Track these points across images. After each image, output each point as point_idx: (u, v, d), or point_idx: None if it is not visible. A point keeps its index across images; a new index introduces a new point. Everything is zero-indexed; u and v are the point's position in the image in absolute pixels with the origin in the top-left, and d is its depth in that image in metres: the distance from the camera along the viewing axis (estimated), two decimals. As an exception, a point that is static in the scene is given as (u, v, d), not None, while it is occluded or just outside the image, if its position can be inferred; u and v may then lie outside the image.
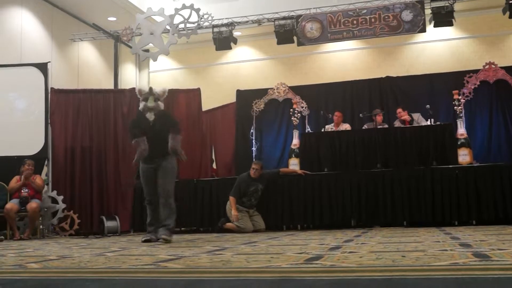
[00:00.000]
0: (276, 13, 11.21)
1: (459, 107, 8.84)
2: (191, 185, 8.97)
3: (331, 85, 11.59)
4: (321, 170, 8.72)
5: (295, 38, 11.04)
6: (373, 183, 8.20)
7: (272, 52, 14.00)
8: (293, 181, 8.54)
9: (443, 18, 10.39)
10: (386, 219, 8.05)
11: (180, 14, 10.97)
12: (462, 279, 2.18)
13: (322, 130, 10.03)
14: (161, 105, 6.32)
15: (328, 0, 11.51)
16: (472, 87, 10.06)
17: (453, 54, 13.17)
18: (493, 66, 10.24)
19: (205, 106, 10.91)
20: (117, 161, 9.64)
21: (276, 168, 9.46)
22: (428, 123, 8.99)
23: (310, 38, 10.94)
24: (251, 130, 11.34)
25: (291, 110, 10.00)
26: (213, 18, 11.08)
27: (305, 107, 10.95)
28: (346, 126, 10.10)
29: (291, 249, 4.02)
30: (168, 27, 10.99)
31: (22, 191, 8.47)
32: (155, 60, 11.44)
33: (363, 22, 10.62)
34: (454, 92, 8.95)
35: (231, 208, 8.20)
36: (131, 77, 15.08)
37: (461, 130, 8.55)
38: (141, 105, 6.29)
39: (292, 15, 11.05)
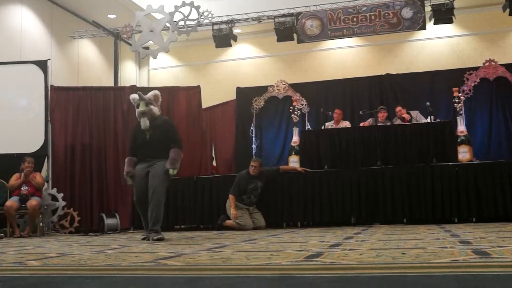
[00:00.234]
0: (276, 10, 11.20)
1: (459, 105, 8.84)
2: (191, 183, 8.97)
3: (331, 82, 11.59)
4: (321, 167, 8.72)
5: (295, 36, 11.03)
6: (373, 181, 8.19)
7: (272, 50, 13.99)
8: (293, 178, 8.54)
9: (443, 15, 10.38)
10: (386, 217, 8.05)
11: (180, 12, 10.96)
12: (462, 276, 2.19)
13: (322, 128, 10.03)
14: (155, 109, 6.16)
15: (328, -3, 11.51)
16: (472, 84, 10.05)
17: (453, 51, 13.17)
18: (493, 63, 10.24)
19: (205, 104, 10.91)
20: (117, 159, 9.64)
21: (276, 166, 9.47)
22: (428, 120, 8.99)
23: (310, 35, 10.93)
24: (251, 128, 11.33)
25: (291, 107, 10.00)
26: (213, 16, 11.07)
27: (305, 105, 10.95)
28: (346, 124, 10.09)
29: (291, 247, 4.02)
30: (168, 24, 10.98)
31: (22, 188, 8.46)
32: (155, 57, 11.43)
33: (363, 20, 10.61)
34: (454, 89, 8.96)
35: (231, 206, 8.20)
36: (131, 74, 15.08)
37: (461, 128, 8.56)
38: (136, 112, 6.20)
39: (292, 13, 11.04)
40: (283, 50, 13.46)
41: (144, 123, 6.09)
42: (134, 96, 6.27)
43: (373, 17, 10.56)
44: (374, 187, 8.17)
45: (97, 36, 12.79)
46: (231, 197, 8.26)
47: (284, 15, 11.05)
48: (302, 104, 10.81)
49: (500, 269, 2.37)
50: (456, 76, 10.34)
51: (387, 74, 11.28)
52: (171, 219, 8.83)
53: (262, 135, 11.45)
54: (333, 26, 10.76)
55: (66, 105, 9.74)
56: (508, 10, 10.00)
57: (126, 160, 6.25)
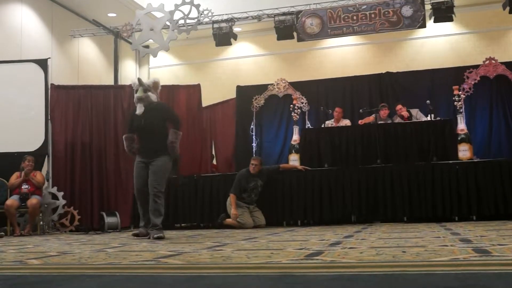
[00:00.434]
0: (276, 8, 11.20)
1: (459, 103, 8.83)
2: (191, 181, 8.97)
3: (331, 80, 11.58)
4: (321, 165, 8.72)
5: (295, 34, 11.03)
6: (373, 179, 8.19)
7: (272, 48, 13.98)
8: (293, 177, 8.54)
9: (443, 13, 10.38)
10: (386, 215, 8.05)
11: (180, 10, 10.95)
12: (463, 274, 2.19)
13: (322, 126, 10.03)
14: (153, 96, 6.17)
15: (328, -5, 11.51)
16: (472, 82, 10.05)
17: (453, 49, 13.16)
18: (493, 61, 10.23)
19: (205, 102, 10.91)
20: (117, 157, 9.64)
21: (276, 164, 9.47)
22: (428, 118, 8.98)
23: (310, 33, 10.93)
24: (251, 126, 11.33)
25: (291, 106, 10.00)
26: (213, 14, 11.08)
27: (305, 103, 10.94)
28: (346, 122, 10.09)
29: (292, 245, 4.02)
30: (168, 23, 10.97)
31: (22, 187, 8.47)
32: (155, 56, 11.43)
33: (363, 18, 10.61)
34: (454, 87, 8.95)
35: (231, 205, 8.19)
36: (131, 73, 15.08)
37: (461, 126, 8.55)
38: (134, 98, 6.25)
39: (292, 11, 11.03)
40: (283, 49, 13.45)
41: (140, 109, 6.11)
42: (133, 82, 6.32)
43: (373, 16, 10.55)
44: (375, 185, 8.17)
45: (97, 35, 12.79)
46: (232, 196, 8.25)
47: (284, 14, 11.04)
48: (302, 103, 10.81)
49: (501, 267, 2.37)
50: (456, 74, 10.34)
51: (387, 72, 11.27)
52: (171, 218, 8.82)
53: (262, 133, 11.45)
54: (333, 24, 10.75)
55: (66, 104, 9.74)
56: (508, 8, 10.00)
57: (124, 137, 6.27)
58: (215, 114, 11.73)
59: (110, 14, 13.04)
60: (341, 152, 8.83)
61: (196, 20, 10.94)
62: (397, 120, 9.66)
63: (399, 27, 10.60)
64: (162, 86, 9.50)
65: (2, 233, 7.85)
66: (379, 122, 9.27)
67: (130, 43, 11.77)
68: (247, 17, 11.57)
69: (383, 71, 11.38)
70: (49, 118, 9.48)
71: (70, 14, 12.76)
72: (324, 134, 9.15)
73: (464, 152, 8.25)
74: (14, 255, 3.98)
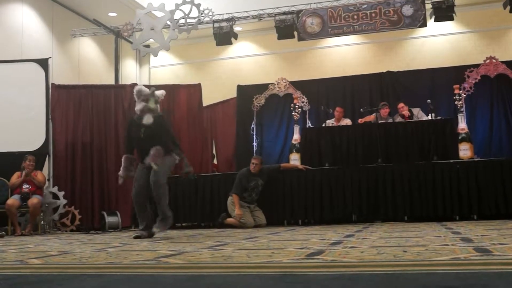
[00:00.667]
0: (277, 8, 11.20)
1: (460, 102, 8.83)
2: (191, 181, 8.96)
3: (331, 80, 11.59)
4: (322, 165, 8.71)
5: (295, 33, 11.03)
6: (374, 178, 8.19)
7: (272, 47, 13.98)
8: (294, 176, 8.54)
9: (444, 12, 10.37)
10: (387, 214, 8.05)
11: (180, 10, 10.96)
12: (463, 274, 2.19)
13: (323, 125, 10.03)
14: (159, 108, 6.22)
15: (328, -5, 11.51)
16: (473, 81, 10.05)
17: (453, 48, 13.16)
18: (493, 60, 10.23)
19: (206, 102, 10.91)
20: (118, 157, 9.61)
21: (277, 164, 9.47)
22: (429, 117, 8.98)
23: (311, 33, 10.93)
24: (252, 125, 11.33)
25: (292, 105, 9.99)
26: (214, 13, 11.08)
27: (306, 102, 10.94)
28: (347, 121, 10.09)
29: (292, 244, 4.02)
30: (168, 22, 10.98)
31: (23, 187, 8.48)
32: (155, 55, 11.44)
33: (364, 17, 10.61)
34: (455, 86, 8.94)
35: (235, 206, 8.17)
36: (131, 72, 15.08)
37: (462, 125, 8.54)
38: (140, 105, 6.15)
39: (293, 10, 11.03)
40: (284, 48, 13.45)
41: (148, 119, 6.06)
42: (143, 90, 6.19)
43: (373, 15, 10.55)
44: (375, 184, 8.17)
45: (98, 34, 12.79)
46: (234, 196, 8.23)
47: (284, 13, 11.04)
48: (303, 102, 10.81)
49: (502, 266, 2.37)
50: (456, 73, 10.34)
51: (388, 72, 11.28)
52: (172, 217, 8.82)
53: (263, 133, 11.45)
54: (334, 23, 10.75)
55: (67, 103, 9.75)
56: (508, 7, 10.00)
57: (123, 158, 6.27)
58: (216, 113, 11.73)
59: (110, 14, 13.04)
60: (341, 151, 8.82)
61: (196, 19, 10.95)
62: (398, 119, 9.66)
63: (400, 26, 10.60)
64: (163, 85, 9.57)
65: (3, 232, 7.85)
66: (380, 122, 9.26)
67: (131, 42, 11.77)
68: (248, 16, 11.57)
69: (384, 71, 11.38)
70: (49, 117, 9.48)
71: (71, 13, 12.76)
72: (325, 133, 9.15)
73: (465, 151, 8.24)
74: (15, 255, 3.99)
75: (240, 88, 11.69)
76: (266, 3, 11.54)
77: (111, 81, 12.53)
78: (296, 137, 9.39)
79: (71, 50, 12.89)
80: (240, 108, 11.48)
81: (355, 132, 8.97)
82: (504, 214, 7.50)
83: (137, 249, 4.21)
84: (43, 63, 9.61)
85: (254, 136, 11.26)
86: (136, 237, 5.89)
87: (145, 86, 6.47)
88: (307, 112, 10.94)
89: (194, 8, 10.96)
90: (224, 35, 11.32)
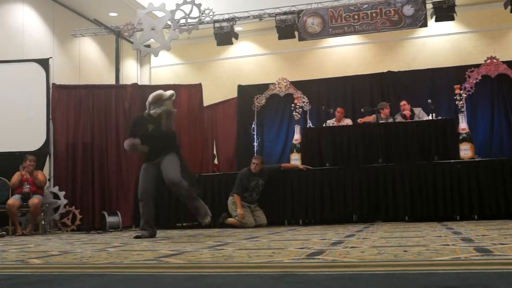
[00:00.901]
0: (277, 8, 11.20)
1: (461, 102, 8.82)
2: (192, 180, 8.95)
3: (332, 80, 11.58)
4: (322, 165, 8.71)
5: (296, 33, 11.03)
6: (374, 178, 8.19)
7: (273, 47, 13.98)
8: (294, 176, 8.54)
9: (445, 12, 10.37)
10: (387, 214, 8.05)
11: (181, 9, 10.97)
12: (464, 273, 2.18)
13: (324, 125, 10.02)
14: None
15: (329, -5, 11.51)
16: (474, 81, 10.04)
17: (454, 48, 13.16)
18: (494, 60, 10.23)
19: (207, 101, 10.91)
20: (118, 157, 9.66)
21: (278, 164, 9.47)
22: (430, 117, 8.98)
23: (311, 33, 10.93)
24: (253, 125, 11.33)
25: (293, 105, 9.99)
26: (214, 13, 11.08)
27: (307, 102, 10.94)
28: (347, 121, 10.09)
29: (293, 244, 4.02)
30: (169, 22, 10.99)
31: (24, 186, 8.48)
32: (156, 55, 11.45)
33: (365, 17, 10.61)
34: (455, 86, 8.93)
35: (237, 206, 8.16)
36: (132, 72, 15.08)
37: (463, 125, 8.54)
38: (159, 110, 6.04)
39: (293, 10, 11.03)
40: (285, 48, 13.45)
41: (156, 110, 6.02)
42: (163, 93, 6.18)
43: (374, 15, 10.55)
44: (376, 184, 8.17)
45: (99, 34, 12.80)
46: (236, 196, 8.23)
47: (285, 13, 11.04)
48: (303, 102, 10.80)
49: (502, 266, 2.37)
50: (457, 73, 10.34)
51: (389, 72, 11.27)
52: (173, 217, 8.84)
53: (263, 133, 11.44)
54: (334, 23, 10.75)
55: (68, 103, 9.75)
56: (509, 7, 10.00)
57: (126, 140, 6.18)
58: (217, 113, 11.73)
59: (111, 14, 13.05)
60: (342, 151, 8.82)
61: (197, 19, 10.96)
62: (399, 119, 9.66)
63: (401, 26, 10.60)
64: (163, 85, 9.56)
65: (4, 232, 7.86)
66: (380, 122, 9.26)
67: (132, 42, 11.78)
68: (248, 16, 11.57)
69: (385, 70, 11.37)
70: (50, 117, 9.49)
71: (72, 13, 12.77)
72: (326, 133, 9.15)
73: (466, 151, 8.24)
74: (15, 255, 3.99)
75: (240, 88, 11.68)
76: (266, 3, 11.54)
77: (112, 81, 12.54)
78: (297, 137, 9.39)
79: (71, 50, 12.89)
80: (240, 108, 11.47)
81: (356, 132, 8.97)
82: (505, 214, 7.50)
83: (137, 249, 4.21)
84: (44, 63, 9.61)
85: (255, 136, 11.26)
86: (137, 237, 5.88)
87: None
88: (308, 112, 10.93)
89: (194, 8, 10.97)
90: (225, 35, 11.32)
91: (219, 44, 11.55)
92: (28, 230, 8.15)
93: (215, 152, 11.51)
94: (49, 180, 9.32)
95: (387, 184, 8.12)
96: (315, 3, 11.24)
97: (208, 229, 7.88)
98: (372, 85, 11.22)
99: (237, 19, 11.44)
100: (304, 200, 8.37)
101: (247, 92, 11.57)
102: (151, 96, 6.14)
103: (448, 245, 3.49)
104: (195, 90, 10.51)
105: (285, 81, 11.37)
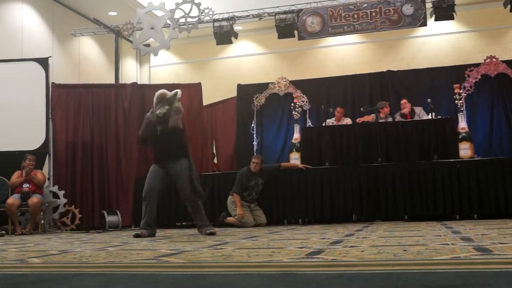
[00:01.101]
0: (277, 7, 11.19)
1: (460, 101, 8.82)
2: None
3: (332, 79, 11.58)
4: (322, 164, 8.71)
5: (296, 32, 11.03)
6: (374, 178, 8.19)
7: (273, 47, 13.98)
8: (294, 175, 8.54)
9: (444, 11, 10.37)
10: (387, 213, 8.05)
11: (180, 9, 10.96)
12: (464, 273, 2.18)
13: (323, 125, 10.02)
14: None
15: (328, -6, 11.51)
16: (473, 81, 10.04)
17: (454, 48, 13.15)
18: (494, 60, 10.22)
19: (206, 101, 10.90)
20: (118, 156, 9.65)
21: (277, 163, 9.46)
22: (429, 117, 8.98)
23: (311, 32, 10.93)
24: (252, 125, 11.33)
25: (292, 104, 9.98)
26: (214, 13, 11.08)
27: (306, 102, 10.94)
28: (347, 121, 10.09)
29: (292, 244, 4.02)
30: (168, 21, 10.98)
31: (23, 186, 8.48)
32: (155, 54, 11.44)
33: (364, 16, 10.61)
34: (455, 86, 8.93)
35: (236, 205, 8.16)
36: (132, 71, 15.08)
37: (462, 124, 8.54)
38: (164, 109, 6.11)
39: (293, 9, 11.03)
40: (284, 47, 13.45)
41: (162, 109, 6.06)
42: (167, 93, 6.19)
43: (373, 14, 10.55)
44: (375, 184, 8.17)
45: (98, 34, 12.79)
46: (236, 196, 8.22)
47: (285, 12, 11.04)
48: (303, 101, 10.80)
49: (502, 266, 2.37)
50: (457, 72, 10.33)
51: (388, 71, 11.27)
52: (172, 216, 8.85)
53: (263, 132, 11.44)
54: (334, 23, 10.75)
55: (67, 103, 9.74)
56: (509, 7, 10.00)
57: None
58: (216, 113, 11.73)
59: (111, 13, 13.04)
60: (342, 150, 8.82)
61: (197, 18, 10.95)
62: (398, 118, 9.66)
63: (400, 26, 10.60)
64: (163, 85, 9.55)
65: (3, 232, 7.85)
66: (380, 121, 9.26)
67: (131, 41, 11.78)
68: (248, 15, 11.57)
69: (384, 70, 11.37)
70: (50, 117, 9.48)
71: (71, 13, 12.76)
72: (325, 132, 9.14)
73: (465, 150, 8.24)
74: (15, 254, 3.99)
75: (240, 87, 11.68)
76: (266, 2, 11.53)
77: (111, 80, 12.54)
78: (296, 136, 9.39)
79: (71, 50, 12.89)
80: (240, 108, 11.47)
81: (356, 131, 8.96)
82: (504, 213, 7.51)
83: (137, 248, 4.21)
84: (43, 62, 9.60)
85: (255, 135, 11.26)
86: (136, 236, 5.89)
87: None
88: (307, 111, 10.94)
89: (194, 7, 10.96)
90: (224, 34, 11.32)
91: (218, 43, 11.55)
92: (27, 230, 8.14)
93: (214, 152, 11.51)
94: (49, 179, 9.32)
95: (387, 183, 8.12)
96: (314, 2, 11.24)
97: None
98: (372, 84, 11.21)
99: (236, 18, 11.44)
100: (304, 199, 8.37)
101: (246, 91, 11.57)
102: (155, 96, 6.18)
103: (447, 244, 3.49)
104: (195, 89, 10.50)
105: (284, 80, 11.36)
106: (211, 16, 11.07)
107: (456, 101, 8.78)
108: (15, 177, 8.58)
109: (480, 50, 12.55)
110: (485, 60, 10.29)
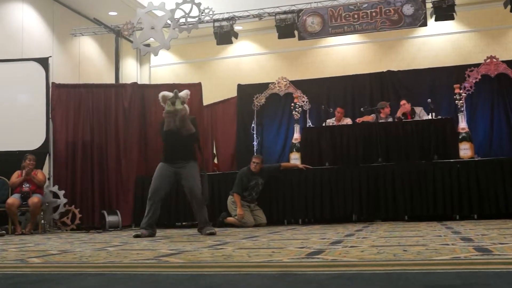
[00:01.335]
0: (277, 7, 11.19)
1: (461, 101, 8.82)
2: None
3: (332, 79, 11.58)
4: (322, 164, 8.71)
5: (296, 32, 11.03)
6: (374, 178, 8.19)
7: (273, 47, 13.98)
8: (294, 175, 8.54)
9: (444, 12, 10.37)
10: (387, 214, 8.05)
11: (181, 9, 10.96)
12: (464, 273, 2.18)
13: (323, 125, 10.02)
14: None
15: (329, -6, 11.51)
16: (474, 81, 10.04)
17: (454, 48, 13.15)
18: (494, 60, 10.22)
19: (206, 101, 10.90)
20: (118, 156, 9.65)
21: (277, 163, 9.46)
22: (430, 117, 8.98)
23: (311, 32, 10.93)
24: (252, 125, 11.33)
25: (292, 104, 9.98)
26: (214, 13, 11.08)
27: (306, 102, 10.94)
28: (347, 121, 10.09)
29: (292, 244, 4.02)
30: (169, 21, 10.98)
31: (23, 186, 8.48)
32: (156, 54, 11.44)
33: (364, 16, 10.61)
34: (455, 86, 8.93)
35: (236, 205, 8.16)
36: (132, 71, 15.08)
37: (463, 124, 8.54)
38: (169, 107, 6.09)
39: (293, 9, 11.03)
40: (284, 47, 13.45)
41: (169, 107, 6.02)
42: (166, 94, 6.11)
43: (374, 14, 10.55)
44: (375, 184, 8.17)
45: (98, 34, 12.79)
46: (236, 196, 8.22)
47: (285, 12, 11.04)
48: (303, 101, 10.80)
49: (502, 266, 2.37)
50: (457, 72, 10.33)
51: (388, 71, 11.27)
52: (172, 216, 8.85)
53: (263, 132, 11.44)
54: (334, 23, 10.76)
55: (67, 103, 9.74)
56: (509, 7, 9.99)
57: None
58: (216, 113, 11.73)
59: (111, 13, 13.04)
60: (342, 150, 8.82)
61: (197, 18, 10.95)
62: (398, 115, 9.65)
63: (400, 26, 10.60)
64: (163, 84, 9.57)
65: (4, 231, 7.85)
66: (380, 121, 9.26)
67: (131, 41, 11.78)
68: (248, 15, 11.57)
69: (384, 70, 11.37)
70: (50, 116, 9.48)
71: (71, 12, 12.76)
72: (325, 132, 9.14)
73: (465, 150, 8.24)
74: (15, 254, 3.99)
75: (240, 87, 11.68)
76: (266, 2, 11.53)
77: (112, 80, 12.54)
78: (297, 136, 9.39)
79: (71, 49, 12.89)
80: (240, 108, 11.47)
81: (356, 131, 8.96)
82: (505, 213, 7.51)
83: (137, 248, 4.21)
84: (44, 62, 9.60)
85: (255, 135, 11.26)
86: (136, 236, 5.89)
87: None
88: (308, 111, 10.93)
89: (194, 7, 10.96)
90: (225, 34, 11.32)
91: (218, 43, 11.55)
92: (27, 229, 8.14)
93: (214, 152, 11.51)
94: (49, 179, 9.32)
95: (387, 183, 8.12)
96: (315, 2, 11.24)
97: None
98: (372, 84, 11.21)
99: (236, 18, 11.44)
100: (304, 199, 8.37)
101: (246, 91, 11.57)
102: (159, 97, 6.21)
103: (447, 244, 3.49)
104: (195, 89, 10.47)
105: (284, 80, 11.36)
106: (211, 16, 11.08)
107: (456, 101, 8.78)
108: (15, 176, 8.58)
109: (480, 50, 12.55)
110: (485, 60, 10.28)
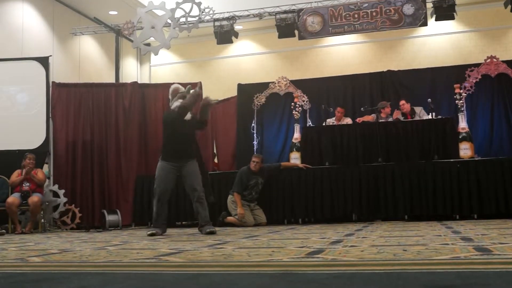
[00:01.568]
0: (278, 6, 11.19)
1: (461, 101, 8.81)
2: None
3: (332, 79, 11.57)
4: (322, 164, 8.70)
5: (296, 32, 11.03)
6: (374, 177, 8.19)
7: (273, 46, 13.99)
8: (294, 175, 8.53)
9: (445, 11, 10.37)
10: (387, 213, 8.04)
11: (181, 8, 10.96)
12: (464, 273, 2.19)
13: (324, 124, 10.02)
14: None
15: (329, -7, 11.52)
16: (474, 81, 10.03)
17: (454, 48, 13.16)
18: (494, 60, 10.21)
19: (206, 100, 10.88)
20: (118, 155, 9.65)
21: (277, 162, 9.46)
22: (430, 117, 8.98)
23: (311, 31, 10.93)
24: (252, 124, 11.32)
25: (292, 104, 9.98)
26: (214, 12, 11.08)
27: (306, 101, 10.93)
28: (347, 120, 10.08)
29: (292, 243, 4.02)
30: (169, 21, 10.98)
31: (23, 185, 8.48)
32: (156, 54, 11.44)
33: (364, 16, 10.61)
34: (455, 86, 8.92)
35: (236, 205, 8.15)
36: (132, 71, 15.09)
37: (463, 124, 8.53)
38: (178, 103, 6.22)
39: (294, 9, 11.03)
40: (285, 47, 13.45)
41: (187, 116, 6.19)
42: (180, 88, 6.41)
43: (374, 14, 10.55)
44: (376, 183, 8.16)
45: (99, 33, 12.80)
46: (236, 195, 8.21)
47: (285, 12, 11.04)
48: (303, 101, 10.79)
49: (502, 266, 2.37)
50: (457, 72, 10.32)
51: (389, 71, 11.26)
52: (173, 216, 8.83)
53: (263, 131, 11.43)
54: (334, 22, 10.76)
55: (68, 102, 9.74)
56: (510, 7, 10.00)
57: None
58: (216, 112, 11.71)
59: (111, 12, 13.05)
60: (342, 150, 8.81)
61: (197, 18, 10.95)
62: (399, 115, 9.65)
63: (401, 25, 10.60)
64: (163, 84, 9.57)
65: (4, 230, 7.86)
66: (380, 121, 9.26)
67: (131, 41, 11.78)
68: (249, 15, 11.57)
69: (385, 69, 11.36)
70: (50, 116, 9.48)
71: (72, 12, 12.77)
72: (325, 132, 9.13)
73: (465, 150, 8.23)
74: (15, 253, 3.99)
75: (240, 87, 11.67)
76: (266, 1, 11.53)
77: (112, 80, 12.55)
78: (297, 136, 9.38)
79: (71, 49, 12.89)
80: (240, 107, 11.46)
81: (356, 131, 8.95)
82: (505, 213, 7.50)
83: (137, 247, 4.21)
84: (44, 61, 9.60)
85: (255, 135, 11.25)
86: (151, 235, 5.93)
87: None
88: (308, 111, 10.92)
89: (195, 6, 10.96)
90: (225, 34, 11.32)
91: (219, 42, 11.55)
92: (27, 229, 8.15)
93: (215, 151, 11.50)
94: (49, 178, 9.32)
95: (387, 183, 8.12)
96: (315, 2, 11.24)
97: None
98: (372, 84, 11.20)
99: (237, 18, 11.44)
100: (304, 199, 8.36)
101: (247, 91, 11.56)
102: (170, 91, 6.31)
103: (447, 244, 3.49)
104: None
105: (285, 80, 11.36)
106: (211, 15, 11.08)
107: (457, 101, 8.78)
108: (15, 176, 8.58)
109: (481, 50, 12.55)
110: (485, 60, 10.28)
